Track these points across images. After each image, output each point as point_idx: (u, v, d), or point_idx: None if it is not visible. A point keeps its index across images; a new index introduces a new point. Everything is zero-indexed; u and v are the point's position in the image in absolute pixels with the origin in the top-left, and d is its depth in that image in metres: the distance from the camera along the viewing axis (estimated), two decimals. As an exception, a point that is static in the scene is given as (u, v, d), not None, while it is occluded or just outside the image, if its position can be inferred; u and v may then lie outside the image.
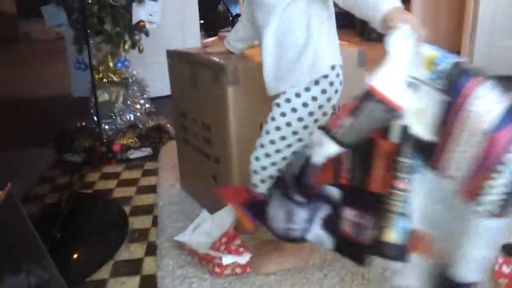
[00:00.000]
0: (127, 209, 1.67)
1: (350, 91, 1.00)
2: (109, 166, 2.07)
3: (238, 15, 5.49)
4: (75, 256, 1.42)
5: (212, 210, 1.45)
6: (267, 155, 1.13)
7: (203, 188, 1.58)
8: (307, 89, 1.08)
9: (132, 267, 1.33)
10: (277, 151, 1.12)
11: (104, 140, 2.14)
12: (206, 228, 1.39)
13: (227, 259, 1.23)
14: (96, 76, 2.22)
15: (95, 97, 2.09)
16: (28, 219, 0.96)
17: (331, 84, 1.10)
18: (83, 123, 2.29)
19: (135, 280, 1.28)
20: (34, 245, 0.98)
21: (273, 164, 1.13)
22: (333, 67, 1.10)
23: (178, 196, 1.73)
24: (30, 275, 0.92)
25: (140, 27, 2.24)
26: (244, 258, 1.25)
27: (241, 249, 1.26)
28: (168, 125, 2.37)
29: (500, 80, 0.87)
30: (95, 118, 2.18)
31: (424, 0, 4.31)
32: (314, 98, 1.08)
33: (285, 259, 1.25)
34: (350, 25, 5.70)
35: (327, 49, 1.10)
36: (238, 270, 1.25)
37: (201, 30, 3.63)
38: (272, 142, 1.12)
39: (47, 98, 3.35)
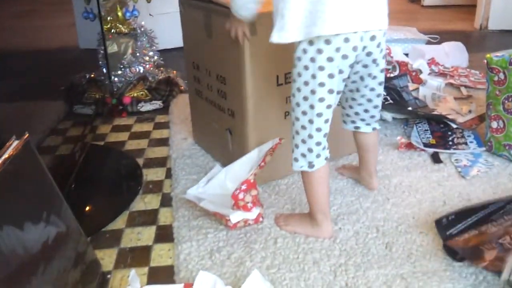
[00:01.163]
0: (140, 161, 1.67)
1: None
2: (120, 118, 2.06)
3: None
4: (90, 207, 1.43)
5: (225, 163, 1.45)
6: (297, 119, 1.10)
7: (217, 141, 1.56)
8: (311, 43, 1.02)
9: (148, 217, 1.34)
10: (304, 113, 1.09)
11: (114, 92, 2.11)
12: (220, 180, 1.39)
13: (235, 217, 1.23)
14: (105, 27, 2.16)
15: (105, 48, 2.04)
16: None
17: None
18: (92, 75, 2.26)
19: (151, 230, 1.29)
20: (52, 195, 0.98)
21: (303, 127, 1.10)
22: None
23: (190, 149, 1.72)
24: (49, 225, 0.93)
25: (147, -26, 2.17)
26: (253, 214, 1.25)
27: (249, 205, 1.25)
28: (178, 78, 2.33)
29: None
30: (105, 70, 2.14)
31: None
32: (320, 51, 1.02)
33: (309, 227, 1.23)
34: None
35: None
36: (250, 222, 1.26)
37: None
38: (298, 104, 1.09)
39: (54, 51, 3.30)
